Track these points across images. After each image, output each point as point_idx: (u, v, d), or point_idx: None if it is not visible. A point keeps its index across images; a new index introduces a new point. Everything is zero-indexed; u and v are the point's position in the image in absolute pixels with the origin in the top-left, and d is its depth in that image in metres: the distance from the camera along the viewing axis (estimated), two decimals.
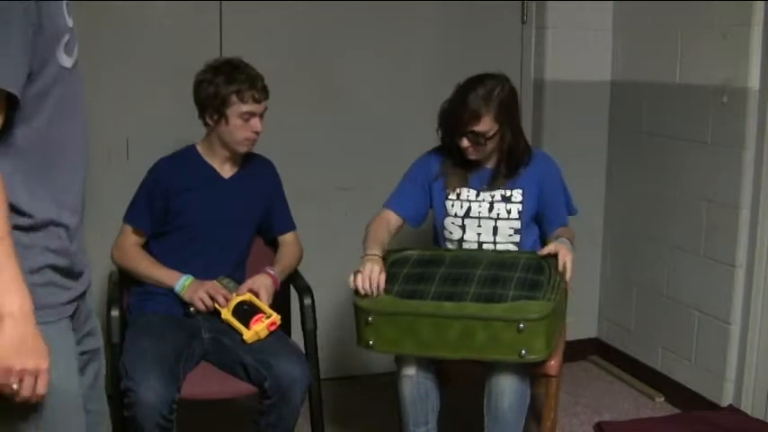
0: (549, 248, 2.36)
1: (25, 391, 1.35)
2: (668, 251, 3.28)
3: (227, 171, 2.54)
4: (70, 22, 1.45)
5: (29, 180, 1.39)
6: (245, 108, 2.40)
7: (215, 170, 2.52)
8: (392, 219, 2.53)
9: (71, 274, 1.49)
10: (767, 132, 2.82)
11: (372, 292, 2.23)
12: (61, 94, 1.43)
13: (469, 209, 2.52)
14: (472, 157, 2.47)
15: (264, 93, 2.44)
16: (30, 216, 1.38)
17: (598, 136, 3.60)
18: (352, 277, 2.27)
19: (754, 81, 2.83)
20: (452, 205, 2.53)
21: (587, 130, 3.56)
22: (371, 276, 2.24)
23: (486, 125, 2.38)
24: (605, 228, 3.68)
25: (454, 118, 2.41)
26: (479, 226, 2.51)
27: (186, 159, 2.52)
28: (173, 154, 2.55)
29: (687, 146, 3.13)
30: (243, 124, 2.41)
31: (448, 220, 2.55)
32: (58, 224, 1.44)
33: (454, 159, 2.51)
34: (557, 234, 2.52)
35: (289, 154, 2.91)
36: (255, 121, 2.43)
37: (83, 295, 1.55)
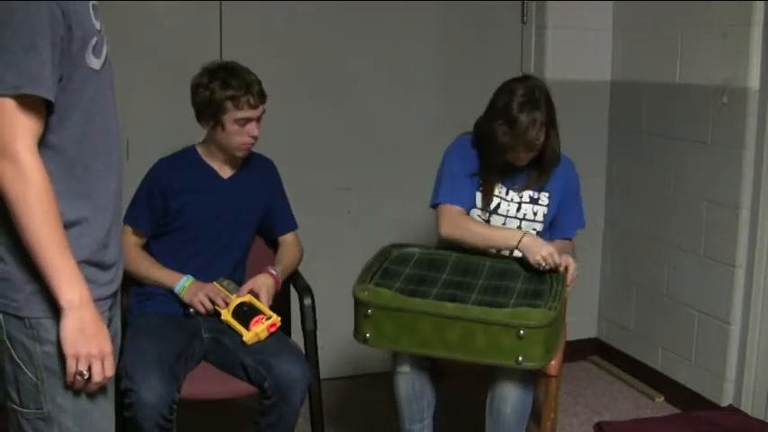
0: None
1: (97, 376, 1.45)
2: (668, 251, 3.28)
3: (226, 171, 2.53)
4: (98, 25, 1.50)
5: (62, 179, 1.44)
6: (241, 114, 2.37)
7: (214, 170, 2.52)
8: (460, 210, 2.44)
9: (103, 267, 1.54)
10: (767, 132, 2.82)
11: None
12: (91, 95, 1.48)
13: (498, 205, 2.48)
14: (522, 164, 2.42)
15: (261, 97, 2.40)
16: (63, 214, 1.43)
17: (598, 136, 3.60)
18: (565, 262, 2.28)
19: (754, 81, 2.83)
20: (482, 198, 2.48)
21: (587, 130, 3.56)
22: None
23: (543, 132, 2.33)
24: (605, 228, 3.68)
25: (514, 138, 2.30)
26: (504, 224, 2.48)
27: (186, 160, 2.52)
28: (172, 154, 2.54)
29: (687, 146, 3.13)
30: (239, 130, 2.39)
31: (474, 212, 2.49)
32: (90, 221, 1.50)
33: (493, 160, 2.42)
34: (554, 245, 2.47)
35: (289, 154, 2.91)
36: (252, 126, 2.41)
37: (114, 295, 1.61)
